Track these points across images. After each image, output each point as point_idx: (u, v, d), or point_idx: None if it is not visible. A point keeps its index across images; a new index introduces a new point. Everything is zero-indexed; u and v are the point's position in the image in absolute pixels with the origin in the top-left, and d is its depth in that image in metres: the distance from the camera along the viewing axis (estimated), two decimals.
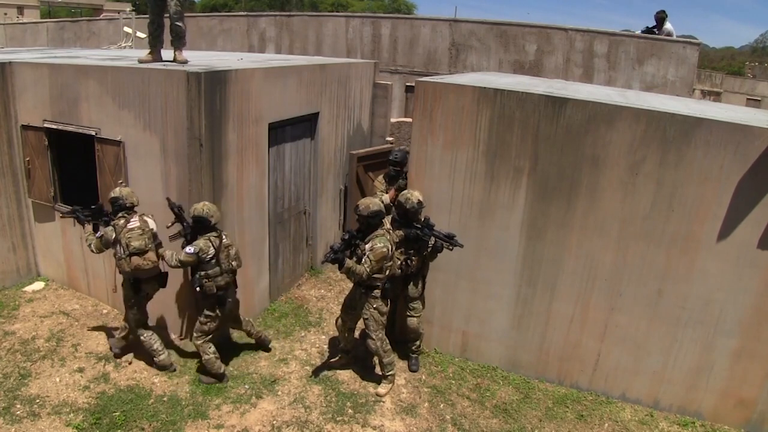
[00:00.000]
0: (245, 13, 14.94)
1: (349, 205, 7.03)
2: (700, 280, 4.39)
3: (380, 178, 6.30)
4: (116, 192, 4.52)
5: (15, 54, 6.94)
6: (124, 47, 12.26)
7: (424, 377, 5.06)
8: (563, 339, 4.94)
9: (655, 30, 10.35)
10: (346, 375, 4.99)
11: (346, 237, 4.33)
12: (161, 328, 5.33)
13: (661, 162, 4.26)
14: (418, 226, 4.58)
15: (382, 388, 4.78)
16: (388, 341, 4.72)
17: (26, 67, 5.56)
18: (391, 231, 4.55)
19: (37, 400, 4.39)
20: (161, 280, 4.68)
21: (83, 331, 5.34)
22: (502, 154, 4.70)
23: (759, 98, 26.04)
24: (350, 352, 5.10)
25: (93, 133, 5.18)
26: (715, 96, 23.10)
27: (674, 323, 4.55)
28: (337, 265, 4.12)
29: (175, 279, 4.99)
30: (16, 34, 16.92)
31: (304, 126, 6.27)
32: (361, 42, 12.34)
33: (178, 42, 5.36)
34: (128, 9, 26.73)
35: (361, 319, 4.63)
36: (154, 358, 4.78)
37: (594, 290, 4.71)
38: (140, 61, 5.21)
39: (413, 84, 5.32)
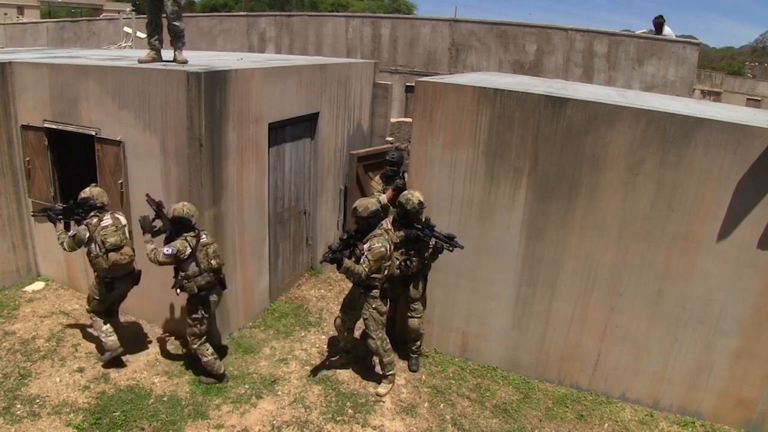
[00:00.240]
0: (245, 13, 14.95)
1: (349, 205, 7.02)
2: (700, 280, 4.39)
3: (377, 178, 6.31)
4: (86, 192, 4.58)
5: (15, 54, 6.94)
6: (124, 47, 12.26)
7: (424, 377, 5.06)
8: (563, 339, 4.94)
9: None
10: (346, 375, 5.00)
11: (345, 237, 4.35)
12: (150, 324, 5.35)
13: (661, 162, 4.26)
14: (419, 226, 4.58)
15: (382, 388, 4.78)
16: (388, 340, 4.72)
17: (26, 67, 5.56)
18: (390, 231, 4.57)
19: (37, 400, 4.39)
20: (135, 278, 4.73)
21: (83, 331, 5.34)
22: (502, 154, 4.70)
23: (759, 98, 26.04)
24: (350, 352, 5.10)
25: (93, 133, 5.18)
26: (715, 96, 23.10)
27: (674, 323, 4.55)
28: (335, 264, 4.15)
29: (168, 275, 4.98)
30: (16, 34, 16.92)
31: (304, 126, 6.27)
32: (361, 42, 12.34)
33: (177, 42, 5.37)
34: (128, 9, 26.75)
35: (361, 319, 4.64)
36: (102, 339, 4.76)
37: (594, 290, 4.71)
38: (140, 61, 5.21)
39: (413, 84, 5.32)
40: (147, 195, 4.55)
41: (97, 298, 4.67)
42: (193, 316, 4.49)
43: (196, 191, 4.75)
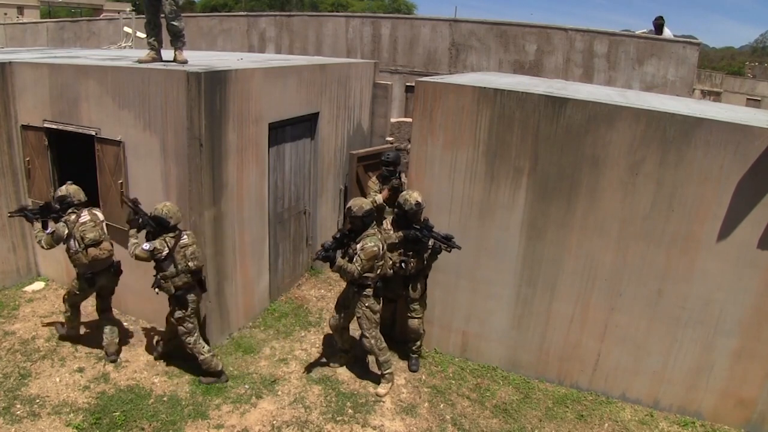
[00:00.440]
0: (245, 13, 14.94)
1: None
2: (700, 280, 4.39)
3: (374, 178, 6.32)
4: (63, 190, 4.64)
5: (15, 54, 6.94)
6: (124, 47, 12.26)
7: (424, 377, 5.06)
8: (563, 339, 4.94)
9: None
10: (346, 375, 5.00)
11: (338, 236, 4.40)
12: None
13: (661, 162, 4.26)
14: (417, 227, 4.59)
15: (381, 388, 4.78)
16: (382, 339, 4.73)
17: (26, 67, 5.56)
18: (383, 231, 4.60)
19: (37, 400, 4.39)
20: (116, 270, 4.81)
21: (83, 331, 5.33)
22: (502, 154, 4.70)
23: (759, 98, 26.03)
24: (349, 352, 5.10)
25: (93, 133, 5.18)
26: (715, 96, 23.10)
27: (674, 323, 4.55)
28: (328, 263, 4.23)
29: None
30: (16, 34, 16.92)
31: (304, 126, 6.28)
32: (361, 42, 12.34)
33: (177, 42, 5.37)
34: (128, 9, 26.73)
35: (355, 318, 4.67)
36: (65, 324, 5.07)
37: (594, 290, 4.71)
38: (140, 61, 5.21)
39: (413, 84, 5.32)
40: (121, 193, 4.62)
41: (78, 292, 4.80)
42: (176, 315, 4.53)
43: (196, 191, 4.75)
